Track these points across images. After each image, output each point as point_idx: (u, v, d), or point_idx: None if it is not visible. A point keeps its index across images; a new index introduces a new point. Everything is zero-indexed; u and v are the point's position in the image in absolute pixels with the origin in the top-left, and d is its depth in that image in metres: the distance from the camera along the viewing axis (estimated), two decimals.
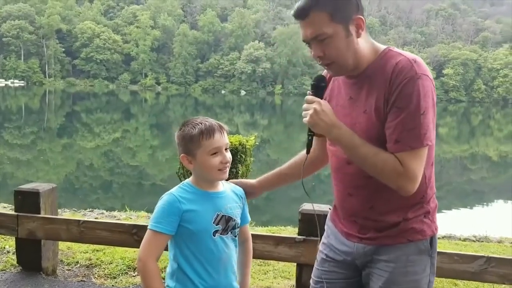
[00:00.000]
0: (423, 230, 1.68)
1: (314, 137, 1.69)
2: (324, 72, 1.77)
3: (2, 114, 36.00)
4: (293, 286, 3.42)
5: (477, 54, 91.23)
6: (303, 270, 3.08)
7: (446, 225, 7.11)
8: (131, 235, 3.29)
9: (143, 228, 3.17)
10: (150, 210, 6.51)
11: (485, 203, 13.49)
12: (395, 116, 1.53)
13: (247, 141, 5.75)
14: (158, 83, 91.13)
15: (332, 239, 1.86)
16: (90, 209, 7.15)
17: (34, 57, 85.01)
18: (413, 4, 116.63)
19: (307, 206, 3.03)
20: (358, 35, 1.58)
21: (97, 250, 4.09)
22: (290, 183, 2.01)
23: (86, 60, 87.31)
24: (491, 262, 2.85)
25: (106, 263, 3.87)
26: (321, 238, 1.93)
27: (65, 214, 6.21)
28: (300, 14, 1.57)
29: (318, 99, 1.60)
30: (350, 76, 1.67)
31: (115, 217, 6.22)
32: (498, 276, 2.85)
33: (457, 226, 7.79)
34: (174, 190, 1.75)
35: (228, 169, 1.75)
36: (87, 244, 4.03)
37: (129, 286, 3.52)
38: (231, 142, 5.29)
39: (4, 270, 3.68)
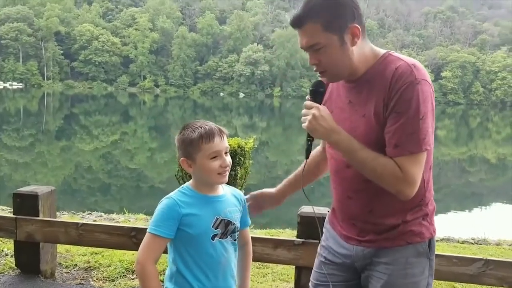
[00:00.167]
0: (422, 232, 1.69)
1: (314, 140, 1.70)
2: (324, 79, 1.77)
3: (0, 116, 35.94)
4: None
5: (475, 56, 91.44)
6: (302, 273, 3.07)
7: (444, 228, 7.13)
8: (129, 238, 3.28)
9: (142, 230, 3.17)
10: (148, 213, 6.51)
11: (483, 206, 13.51)
12: (395, 121, 1.54)
13: (246, 143, 5.75)
14: (157, 86, 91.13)
15: (330, 242, 1.86)
16: (89, 212, 7.15)
17: (33, 59, 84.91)
18: (411, 7, 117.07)
19: (305, 209, 3.03)
20: (353, 44, 1.59)
21: (96, 253, 4.09)
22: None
23: (85, 62, 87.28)
24: (490, 265, 2.85)
25: (105, 266, 3.87)
26: (312, 240, 1.94)
27: (64, 216, 6.21)
28: (296, 23, 1.59)
29: (317, 105, 1.61)
30: (350, 80, 1.68)
31: (113, 219, 6.21)
32: (497, 278, 2.85)
33: (455, 228, 7.80)
34: (174, 194, 1.76)
35: (227, 173, 1.76)
36: (85, 247, 4.02)
37: None
38: (230, 145, 5.28)
39: (3, 273, 3.67)
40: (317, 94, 1.67)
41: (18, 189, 3.58)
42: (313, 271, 1.92)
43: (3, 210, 6.24)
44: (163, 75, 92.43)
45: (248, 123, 40.32)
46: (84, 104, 53.71)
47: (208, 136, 1.70)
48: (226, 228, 1.76)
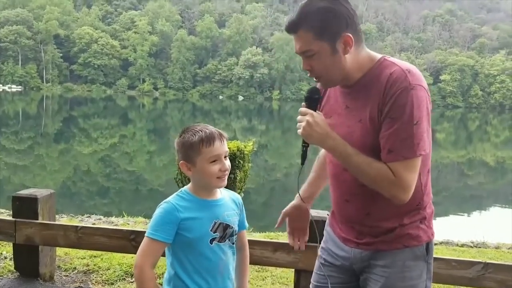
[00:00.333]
0: (419, 236, 1.69)
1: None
2: (318, 84, 1.79)
3: None
4: None
5: (474, 60, 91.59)
6: (301, 276, 3.08)
7: (443, 231, 7.12)
8: (129, 241, 3.28)
9: (141, 234, 3.16)
10: (147, 216, 6.51)
11: (482, 209, 13.50)
12: (389, 126, 1.55)
13: (245, 146, 5.74)
14: (156, 89, 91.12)
15: (330, 244, 1.88)
16: (88, 215, 7.14)
17: (32, 62, 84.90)
18: (410, 10, 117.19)
19: None
20: (346, 52, 1.60)
21: (95, 256, 4.09)
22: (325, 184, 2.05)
23: (84, 65, 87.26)
24: (489, 268, 2.86)
25: (104, 269, 3.86)
26: (320, 244, 1.95)
27: (62, 219, 6.19)
28: (290, 29, 1.62)
29: (311, 111, 1.64)
30: (346, 86, 1.70)
31: (112, 222, 6.21)
32: (496, 282, 2.86)
33: (454, 231, 7.80)
34: (172, 198, 1.76)
35: (226, 177, 1.77)
36: (84, 250, 4.02)
37: None
38: (229, 148, 5.28)
39: (1, 276, 3.66)
40: (312, 101, 1.69)
41: (18, 192, 3.58)
42: (313, 272, 1.94)
43: (2, 213, 6.23)
44: (162, 78, 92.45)
45: (247, 126, 40.34)
46: (83, 107, 53.70)
47: (209, 139, 1.71)
48: (224, 231, 1.77)
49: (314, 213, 2.93)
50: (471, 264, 2.90)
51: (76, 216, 6.94)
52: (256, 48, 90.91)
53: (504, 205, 13.53)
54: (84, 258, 4.06)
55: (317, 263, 1.93)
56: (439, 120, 54.84)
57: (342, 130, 1.65)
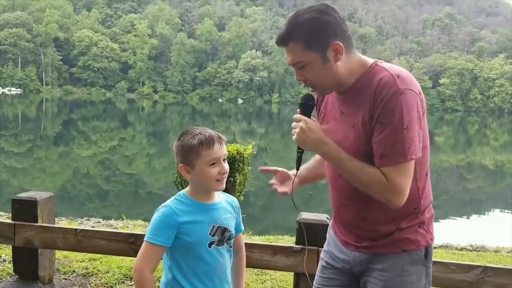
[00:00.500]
0: (417, 240, 1.70)
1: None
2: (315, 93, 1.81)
3: None
4: None
5: (473, 64, 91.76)
6: (300, 280, 3.07)
7: (442, 235, 7.12)
8: (128, 244, 3.28)
9: (141, 237, 3.16)
10: (147, 219, 6.50)
11: (481, 213, 13.49)
12: (380, 132, 1.57)
13: (244, 149, 5.75)
14: (156, 92, 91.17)
15: (332, 247, 1.90)
16: (87, 218, 7.14)
17: (31, 65, 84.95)
18: (409, 14, 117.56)
19: (304, 215, 3.04)
20: (337, 60, 1.62)
21: (94, 259, 4.08)
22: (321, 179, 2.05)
23: (84, 68, 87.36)
24: (488, 272, 2.86)
25: (103, 272, 3.86)
26: (310, 246, 1.97)
27: (62, 222, 6.20)
28: (280, 43, 1.65)
29: (305, 118, 1.68)
30: (340, 92, 1.72)
31: (111, 225, 6.21)
32: (495, 285, 2.85)
33: (453, 235, 7.80)
34: (170, 202, 1.76)
35: (225, 180, 1.77)
36: (84, 253, 4.02)
37: None
38: (228, 151, 5.28)
39: (1, 279, 3.66)
40: (306, 107, 1.73)
41: (17, 195, 3.57)
42: (316, 275, 1.96)
43: (1, 216, 6.23)
44: (162, 81, 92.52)
45: (246, 129, 40.34)
46: (82, 110, 53.67)
47: (208, 142, 1.71)
48: (222, 235, 1.78)
49: (314, 216, 2.94)
50: (470, 267, 2.90)
51: (76, 219, 6.94)
52: (256, 52, 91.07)
53: (503, 209, 13.52)
54: (84, 261, 4.05)
55: (319, 265, 1.96)
56: (438, 124, 54.88)
57: (337, 135, 1.68)
